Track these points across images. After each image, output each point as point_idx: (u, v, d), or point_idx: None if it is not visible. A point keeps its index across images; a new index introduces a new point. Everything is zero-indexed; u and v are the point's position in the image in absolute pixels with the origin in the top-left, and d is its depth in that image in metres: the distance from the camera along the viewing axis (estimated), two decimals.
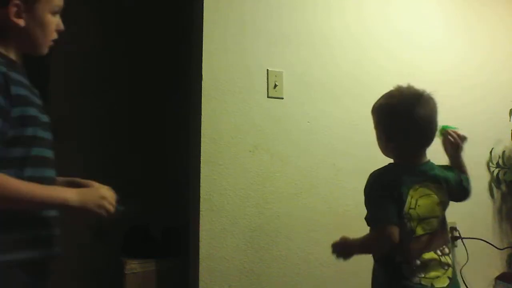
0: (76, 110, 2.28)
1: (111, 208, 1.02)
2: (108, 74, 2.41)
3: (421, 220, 1.24)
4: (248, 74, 1.68)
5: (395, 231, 1.18)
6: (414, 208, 1.23)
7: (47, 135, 1.02)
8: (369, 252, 1.31)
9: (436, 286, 1.20)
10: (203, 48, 1.61)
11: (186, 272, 1.71)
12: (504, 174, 2.17)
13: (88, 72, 2.36)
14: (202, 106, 1.59)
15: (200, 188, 1.56)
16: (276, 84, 1.71)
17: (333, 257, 1.71)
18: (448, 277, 1.23)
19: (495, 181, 2.16)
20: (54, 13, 1.04)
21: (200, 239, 1.53)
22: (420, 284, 1.19)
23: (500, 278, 2.08)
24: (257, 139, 1.67)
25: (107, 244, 2.16)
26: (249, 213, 1.62)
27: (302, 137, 1.75)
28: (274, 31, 1.75)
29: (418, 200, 1.24)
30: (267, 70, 1.71)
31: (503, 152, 2.19)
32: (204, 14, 1.62)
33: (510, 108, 2.17)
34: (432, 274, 1.21)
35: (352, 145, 1.82)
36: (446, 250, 1.26)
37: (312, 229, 1.71)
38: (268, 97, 1.71)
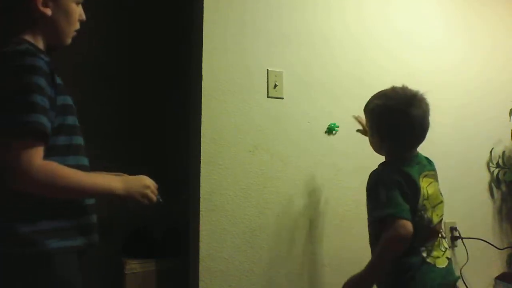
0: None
1: (154, 198, 1.06)
2: (107, 73, 2.41)
3: (433, 208, 1.27)
4: (248, 74, 1.68)
5: (410, 225, 1.17)
6: (427, 199, 1.26)
7: (78, 123, 1.04)
8: (385, 260, 1.21)
9: (437, 266, 1.25)
10: (203, 48, 1.61)
11: (186, 272, 1.71)
12: (504, 174, 2.17)
13: (87, 71, 2.36)
14: (202, 106, 1.59)
15: (200, 188, 1.56)
16: (276, 84, 1.71)
17: (333, 257, 1.73)
18: (447, 258, 1.29)
19: (495, 181, 2.17)
20: (77, 3, 1.06)
21: (200, 239, 1.53)
22: (427, 262, 1.23)
23: (500, 278, 2.08)
24: (257, 139, 1.67)
25: (107, 244, 2.16)
26: (249, 213, 1.62)
27: (302, 137, 1.75)
28: (274, 31, 1.75)
29: (428, 189, 1.27)
30: (267, 70, 1.71)
31: (503, 152, 2.19)
32: (204, 14, 1.62)
33: (510, 108, 2.17)
34: (435, 254, 1.26)
35: (352, 145, 1.82)
36: (444, 234, 1.34)
37: (312, 229, 1.71)
38: (268, 97, 1.71)
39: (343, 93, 1.85)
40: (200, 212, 1.54)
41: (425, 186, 1.27)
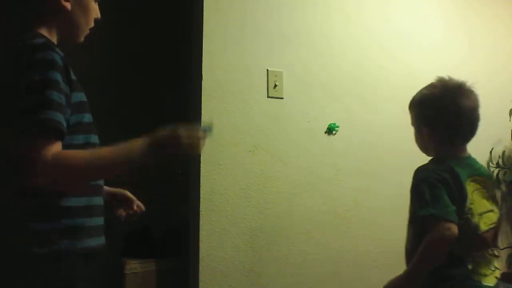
0: None
1: (195, 149, 0.97)
2: (107, 74, 2.41)
3: (480, 215, 1.18)
4: (248, 74, 1.68)
5: (455, 228, 1.09)
6: (473, 203, 1.17)
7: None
8: (427, 263, 1.13)
9: (483, 283, 1.16)
10: (203, 48, 1.61)
11: (186, 272, 1.71)
12: (504, 174, 2.17)
13: (87, 72, 2.36)
14: (202, 106, 1.59)
15: (200, 188, 1.56)
16: (276, 84, 1.71)
17: (333, 257, 1.73)
18: (496, 277, 1.20)
19: (495, 181, 2.16)
20: (95, 0, 1.04)
21: (200, 239, 1.53)
22: (471, 278, 1.15)
23: (500, 278, 2.08)
24: (257, 139, 1.67)
25: (107, 244, 2.16)
26: (249, 213, 1.62)
27: (302, 137, 1.75)
28: (274, 31, 1.75)
29: (473, 195, 1.18)
30: (267, 70, 1.71)
31: (503, 152, 2.19)
32: (204, 14, 1.62)
33: (510, 108, 2.17)
34: (482, 271, 1.17)
35: (352, 145, 1.83)
36: (496, 253, 1.23)
37: (312, 229, 1.71)
38: (268, 97, 1.71)
39: (343, 93, 1.85)
40: (200, 212, 1.55)
41: (471, 190, 1.18)
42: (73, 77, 0.93)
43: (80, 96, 0.95)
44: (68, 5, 0.96)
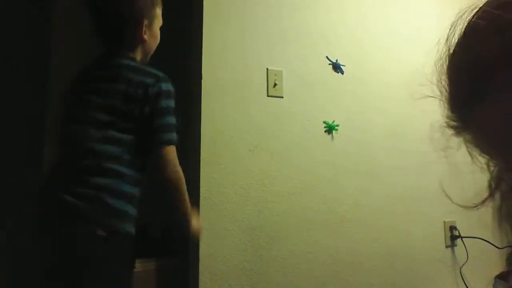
0: None
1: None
2: None
3: None
4: (248, 73, 1.68)
5: None
6: None
7: None
8: None
9: None
10: (203, 47, 1.61)
11: (186, 272, 1.71)
12: None
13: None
14: (202, 105, 1.59)
15: (200, 187, 1.56)
16: (276, 83, 1.71)
17: (332, 257, 1.73)
18: None
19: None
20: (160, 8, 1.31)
21: (200, 238, 1.53)
22: None
23: (500, 277, 2.08)
24: (257, 138, 1.67)
25: None
26: (249, 212, 1.62)
27: (302, 136, 1.75)
28: (274, 30, 1.75)
29: None
30: (267, 69, 1.71)
31: None
32: (204, 13, 1.63)
33: None
34: None
35: (352, 145, 1.83)
36: None
37: (311, 228, 1.72)
38: (267, 96, 1.71)
39: (343, 92, 1.85)
40: (200, 211, 1.55)
41: None
42: None
43: None
44: (146, 37, 1.24)
